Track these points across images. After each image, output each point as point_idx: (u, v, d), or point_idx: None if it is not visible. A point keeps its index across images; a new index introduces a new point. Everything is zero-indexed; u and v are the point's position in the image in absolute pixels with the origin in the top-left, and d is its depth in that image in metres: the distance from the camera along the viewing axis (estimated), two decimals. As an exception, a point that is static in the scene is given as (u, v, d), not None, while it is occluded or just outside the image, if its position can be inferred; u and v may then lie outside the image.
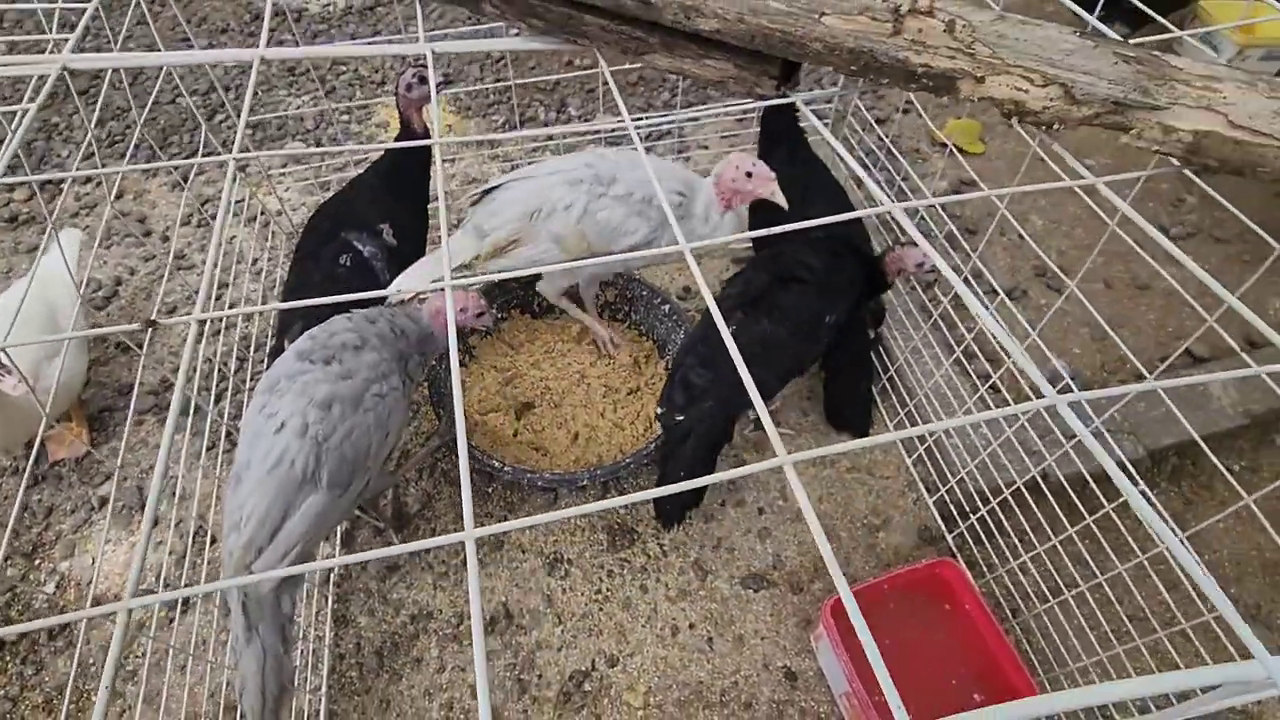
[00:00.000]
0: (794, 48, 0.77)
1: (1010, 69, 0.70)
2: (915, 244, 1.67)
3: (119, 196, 2.63)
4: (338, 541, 1.80)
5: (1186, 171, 0.88)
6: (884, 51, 0.74)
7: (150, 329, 0.60)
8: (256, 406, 1.26)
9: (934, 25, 0.70)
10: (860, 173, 0.88)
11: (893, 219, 2.35)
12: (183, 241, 2.49)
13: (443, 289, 0.74)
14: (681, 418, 1.63)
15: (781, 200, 1.60)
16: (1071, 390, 0.88)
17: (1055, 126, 0.72)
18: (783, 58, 0.84)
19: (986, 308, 0.77)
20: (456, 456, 1.96)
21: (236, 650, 1.17)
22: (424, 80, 1.59)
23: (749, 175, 1.64)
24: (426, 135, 1.67)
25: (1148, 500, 0.67)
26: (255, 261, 2.23)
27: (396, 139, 1.71)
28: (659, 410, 1.69)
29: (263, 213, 2.33)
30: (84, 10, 1.25)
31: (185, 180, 2.59)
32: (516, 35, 1.09)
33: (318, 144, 2.85)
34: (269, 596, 1.18)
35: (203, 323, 0.61)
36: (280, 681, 1.17)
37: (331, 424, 1.22)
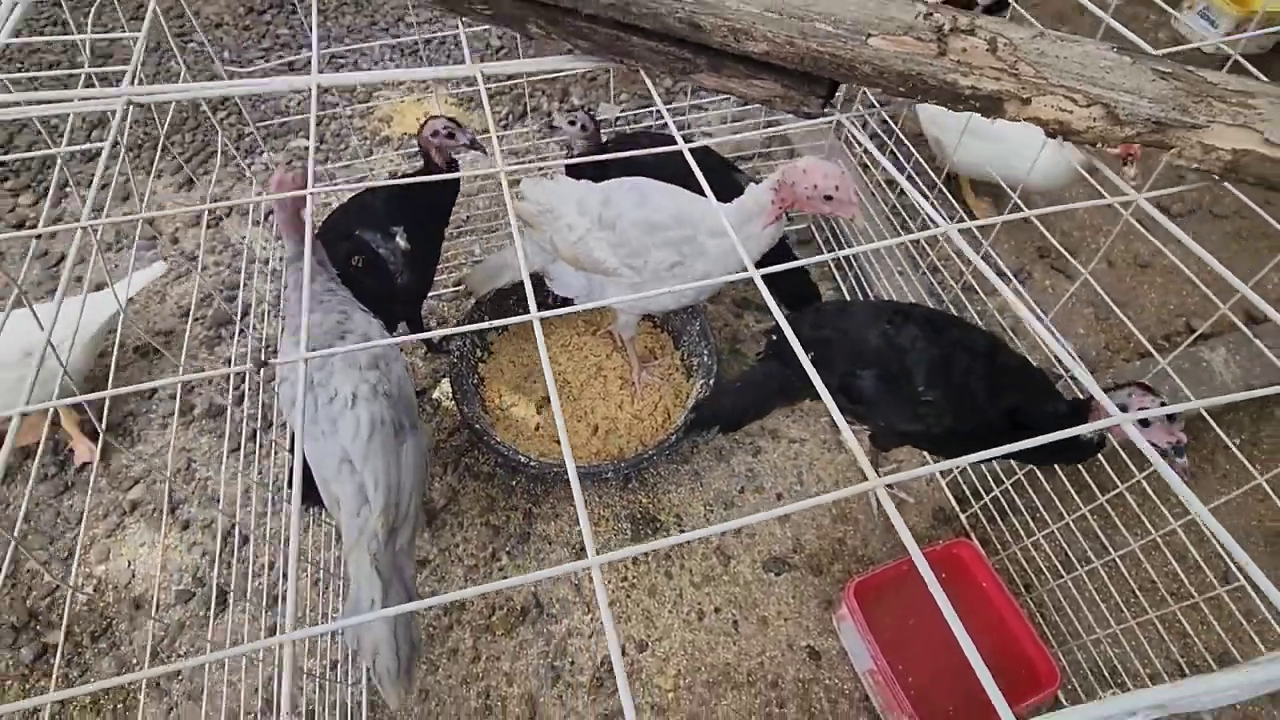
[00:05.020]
0: (843, 70, 0.79)
1: (1054, 89, 0.72)
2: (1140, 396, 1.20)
3: (125, 198, 2.62)
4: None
5: (1227, 185, 0.90)
6: (932, 74, 0.76)
7: (261, 368, 0.62)
8: (309, 402, 1.26)
9: (977, 44, 0.72)
10: (912, 192, 0.90)
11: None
12: (193, 243, 2.50)
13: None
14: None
15: (861, 220, 1.39)
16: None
17: (1098, 145, 0.74)
18: (830, 78, 0.86)
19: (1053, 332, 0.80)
20: (481, 451, 2.00)
21: (356, 620, 1.21)
22: (452, 135, 1.66)
23: (828, 199, 1.34)
24: (446, 169, 1.69)
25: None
26: (267, 262, 2.24)
27: (419, 172, 1.74)
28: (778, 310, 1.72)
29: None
30: (130, 43, 1.25)
31: (191, 181, 2.59)
32: (558, 56, 1.07)
33: (321, 141, 2.84)
34: (405, 551, 1.24)
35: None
36: (412, 639, 1.21)
37: (384, 375, 1.31)
